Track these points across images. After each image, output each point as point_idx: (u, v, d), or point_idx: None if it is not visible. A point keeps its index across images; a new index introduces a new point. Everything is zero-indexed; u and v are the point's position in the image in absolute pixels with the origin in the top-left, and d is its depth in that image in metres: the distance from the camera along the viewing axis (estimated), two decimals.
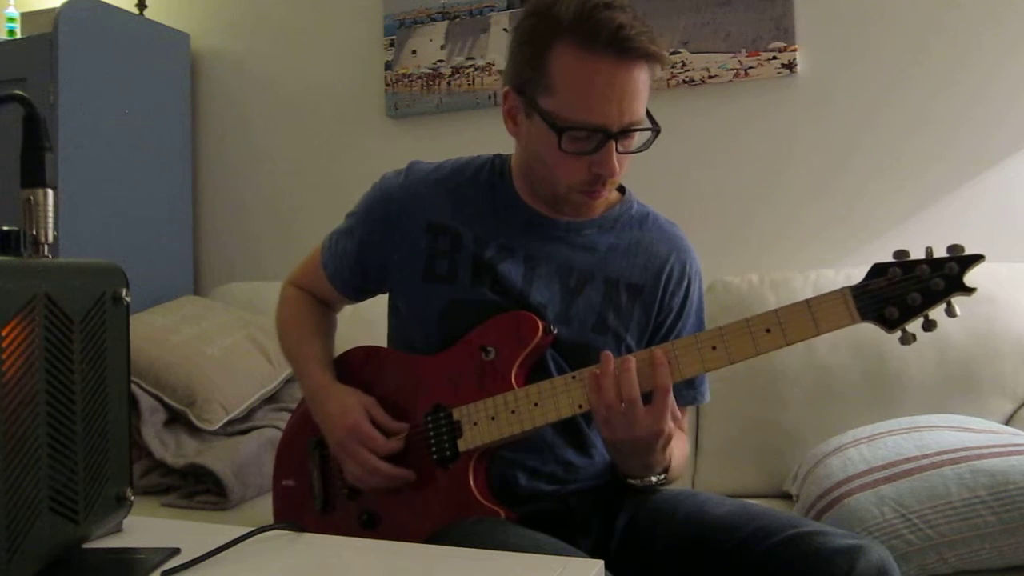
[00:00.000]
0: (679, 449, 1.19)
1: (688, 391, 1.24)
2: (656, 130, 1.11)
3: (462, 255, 1.20)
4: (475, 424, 1.13)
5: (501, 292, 1.18)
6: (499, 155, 1.27)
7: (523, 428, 1.11)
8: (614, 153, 1.09)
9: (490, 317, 1.17)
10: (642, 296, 1.21)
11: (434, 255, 1.21)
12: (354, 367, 1.28)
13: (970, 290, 0.98)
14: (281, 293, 1.39)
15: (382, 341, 1.33)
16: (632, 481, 1.15)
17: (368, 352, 1.29)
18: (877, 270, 1.02)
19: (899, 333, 1.01)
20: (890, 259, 1.01)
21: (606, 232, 1.22)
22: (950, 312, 0.99)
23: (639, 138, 1.12)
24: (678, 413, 1.06)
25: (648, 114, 1.11)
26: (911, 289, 0.99)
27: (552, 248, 1.20)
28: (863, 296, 1.01)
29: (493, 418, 1.12)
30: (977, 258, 0.98)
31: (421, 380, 1.19)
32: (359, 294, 1.32)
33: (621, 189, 1.27)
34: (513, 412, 1.11)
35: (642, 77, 1.08)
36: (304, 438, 1.28)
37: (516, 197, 1.22)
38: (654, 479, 1.13)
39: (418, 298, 1.22)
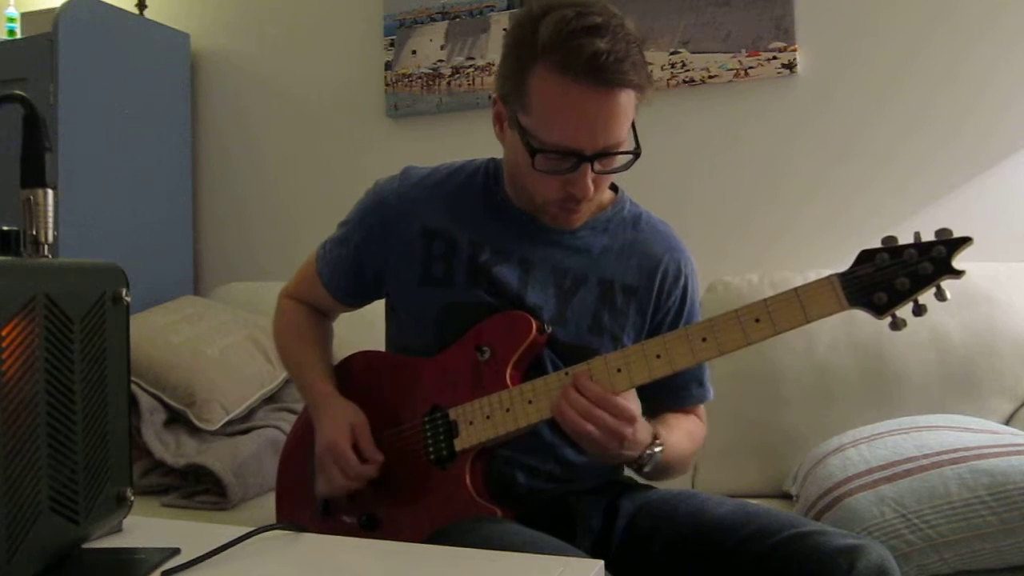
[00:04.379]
0: (680, 429, 1.19)
1: (699, 390, 1.25)
2: (636, 153, 1.09)
3: (458, 259, 1.20)
4: (471, 423, 1.13)
5: (497, 295, 1.18)
6: (493, 159, 1.27)
7: (518, 426, 1.11)
8: (588, 175, 1.07)
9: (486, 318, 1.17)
10: (637, 296, 1.21)
11: (430, 259, 1.21)
12: (354, 373, 1.28)
13: (959, 272, 0.97)
14: (277, 305, 1.40)
15: (381, 343, 1.33)
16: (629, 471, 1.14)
17: (367, 357, 1.29)
18: (865, 256, 1.01)
19: (889, 319, 1.00)
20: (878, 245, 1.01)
21: (599, 234, 1.22)
22: (940, 296, 0.98)
23: (620, 158, 1.09)
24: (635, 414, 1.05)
25: (634, 131, 1.09)
26: (899, 274, 0.99)
27: (546, 251, 1.20)
28: (851, 282, 1.01)
29: (488, 417, 1.12)
30: (965, 240, 0.97)
31: (419, 382, 1.20)
32: (355, 300, 1.33)
33: (614, 188, 1.27)
34: (508, 410, 1.11)
35: (622, 101, 1.04)
36: (307, 443, 1.28)
37: (509, 201, 1.22)
38: (644, 455, 1.08)
39: (415, 302, 1.22)
